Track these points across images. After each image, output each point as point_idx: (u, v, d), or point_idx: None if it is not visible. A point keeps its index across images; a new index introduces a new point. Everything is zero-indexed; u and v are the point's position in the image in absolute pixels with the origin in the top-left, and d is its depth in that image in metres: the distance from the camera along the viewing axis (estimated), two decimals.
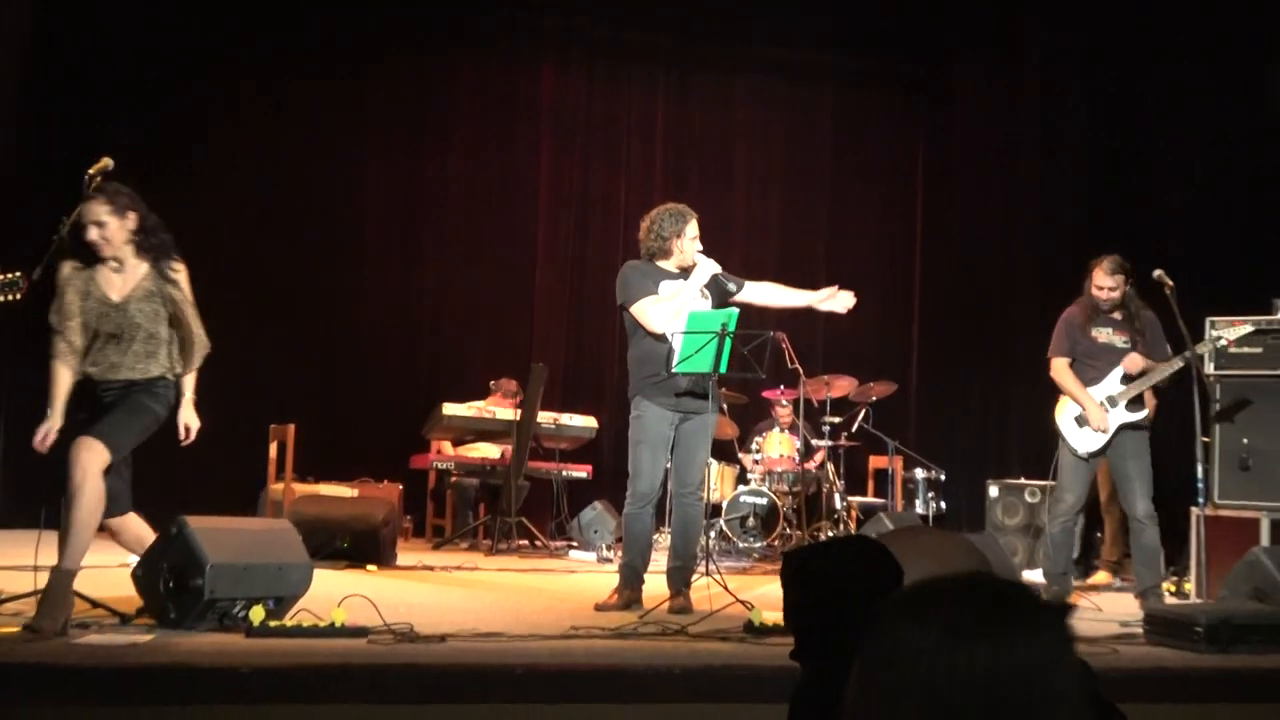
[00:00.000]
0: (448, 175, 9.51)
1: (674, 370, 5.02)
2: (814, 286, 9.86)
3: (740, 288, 5.30)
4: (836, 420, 8.53)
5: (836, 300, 5.28)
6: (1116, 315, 5.73)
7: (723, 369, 5.07)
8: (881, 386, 8.58)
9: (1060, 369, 5.77)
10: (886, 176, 10.39)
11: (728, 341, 5.03)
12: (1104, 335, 5.71)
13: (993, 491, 7.76)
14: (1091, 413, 5.64)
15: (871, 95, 10.38)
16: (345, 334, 9.05)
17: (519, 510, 7.84)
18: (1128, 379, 5.67)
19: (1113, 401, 5.68)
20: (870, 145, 10.40)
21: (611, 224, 9.81)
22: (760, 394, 8.83)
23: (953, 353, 10.00)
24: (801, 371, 8.00)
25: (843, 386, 8.51)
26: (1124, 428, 5.65)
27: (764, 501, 8.19)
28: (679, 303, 5.08)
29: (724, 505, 8.22)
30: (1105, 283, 5.63)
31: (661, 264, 5.23)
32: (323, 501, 6.91)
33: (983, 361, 9.94)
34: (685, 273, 5.21)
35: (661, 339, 5.10)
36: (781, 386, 8.58)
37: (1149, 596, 5.54)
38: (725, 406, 8.51)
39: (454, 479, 8.42)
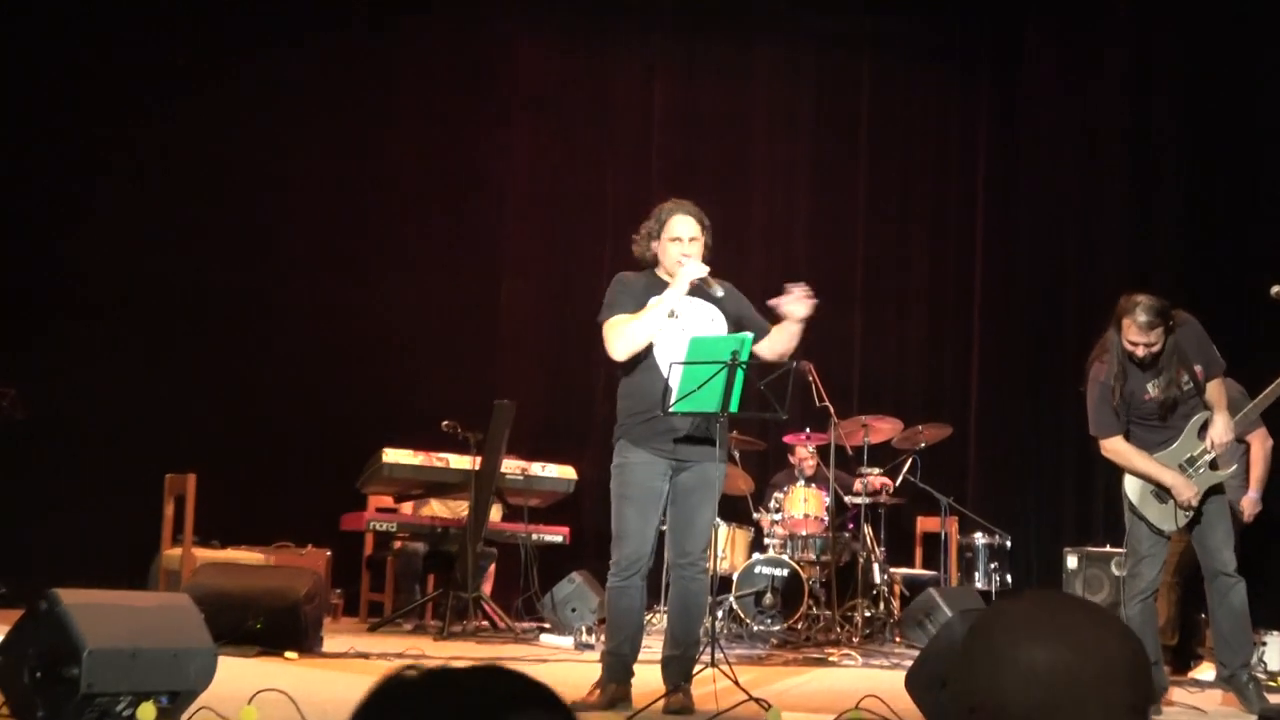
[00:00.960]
0: (394, 167, 9.57)
1: (671, 409, 5.00)
2: (848, 304, 10.18)
3: (755, 327, 5.19)
4: (876, 472, 8.55)
5: (788, 303, 5.19)
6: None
7: (733, 408, 5.03)
8: (932, 430, 8.61)
9: (1115, 449, 5.68)
10: (939, 169, 10.47)
11: (740, 374, 5.01)
12: (1155, 389, 5.61)
13: (1071, 562, 7.79)
14: (1178, 489, 5.59)
15: (920, 67, 10.48)
16: (262, 362, 9.06)
17: (478, 583, 7.80)
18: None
19: (1193, 463, 5.62)
20: (919, 130, 10.48)
21: (598, 227, 9.85)
22: (781, 439, 8.85)
23: (1021, 388, 10.04)
24: (833, 411, 8.04)
25: (884, 430, 8.54)
26: (1211, 490, 5.64)
27: (785, 573, 8.20)
28: (650, 321, 5.04)
29: (735, 578, 8.22)
30: (1140, 339, 5.48)
31: (660, 274, 5.25)
32: (231, 571, 6.88)
33: (1059, 399, 9.96)
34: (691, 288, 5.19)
35: (648, 368, 5.10)
36: (808, 430, 8.60)
37: (1243, 684, 5.52)
38: (737, 454, 8.61)
39: (396, 544, 8.40)
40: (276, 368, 9.11)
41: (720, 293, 5.16)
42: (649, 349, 5.12)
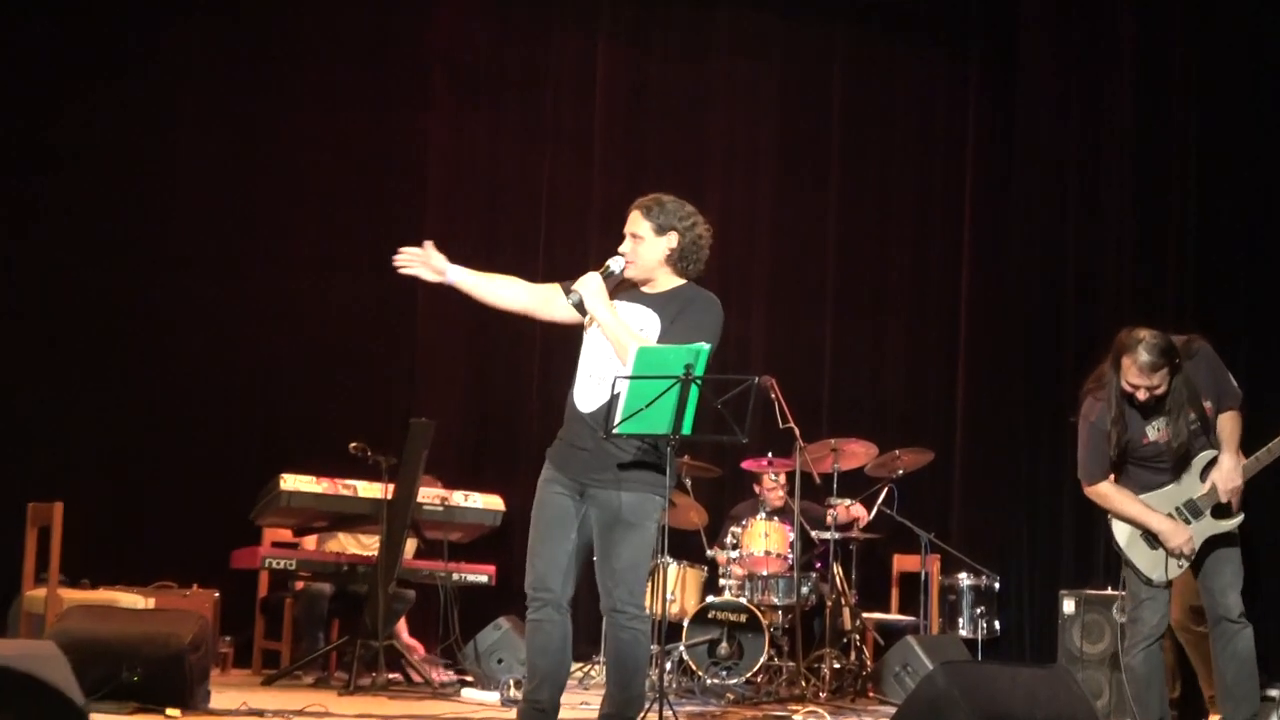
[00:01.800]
0: (294, 149, 9.51)
1: (615, 430, 5.02)
2: (817, 311, 10.20)
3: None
4: (847, 503, 8.57)
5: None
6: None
7: (686, 430, 5.06)
8: (912, 455, 8.65)
9: (1099, 493, 5.75)
10: (922, 157, 10.55)
11: (694, 391, 5.04)
12: (1156, 432, 5.64)
13: (1068, 606, 7.82)
14: (1167, 536, 5.64)
15: (901, 40, 10.56)
16: (139, 374, 9.00)
17: (390, 630, 7.76)
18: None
19: (1194, 510, 5.67)
20: (900, 112, 10.56)
21: (531, 219, 9.85)
22: (739, 464, 8.86)
23: (1013, 408, 10.10)
24: (798, 433, 8.05)
25: (857, 455, 8.57)
26: (1217, 538, 5.68)
27: (743, 618, 8.19)
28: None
29: (686, 624, 8.21)
30: (1141, 381, 5.50)
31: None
32: (104, 615, 6.80)
33: (1056, 422, 10.03)
34: (641, 291, 5.27)
35: (573, 380, 5.20)
36: (770, 454, 8.63)
37: None
38: (689, 483, 8.61)
39: (297, 584, 8.36)
40: (156, 381, 9.03)
41: (615, 268, 5.21)
42: (579, 354, 5.22)
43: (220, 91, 9.40)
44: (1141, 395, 5.55)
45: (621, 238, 5.31)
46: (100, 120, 9.06)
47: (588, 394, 5.16)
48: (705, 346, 5.07)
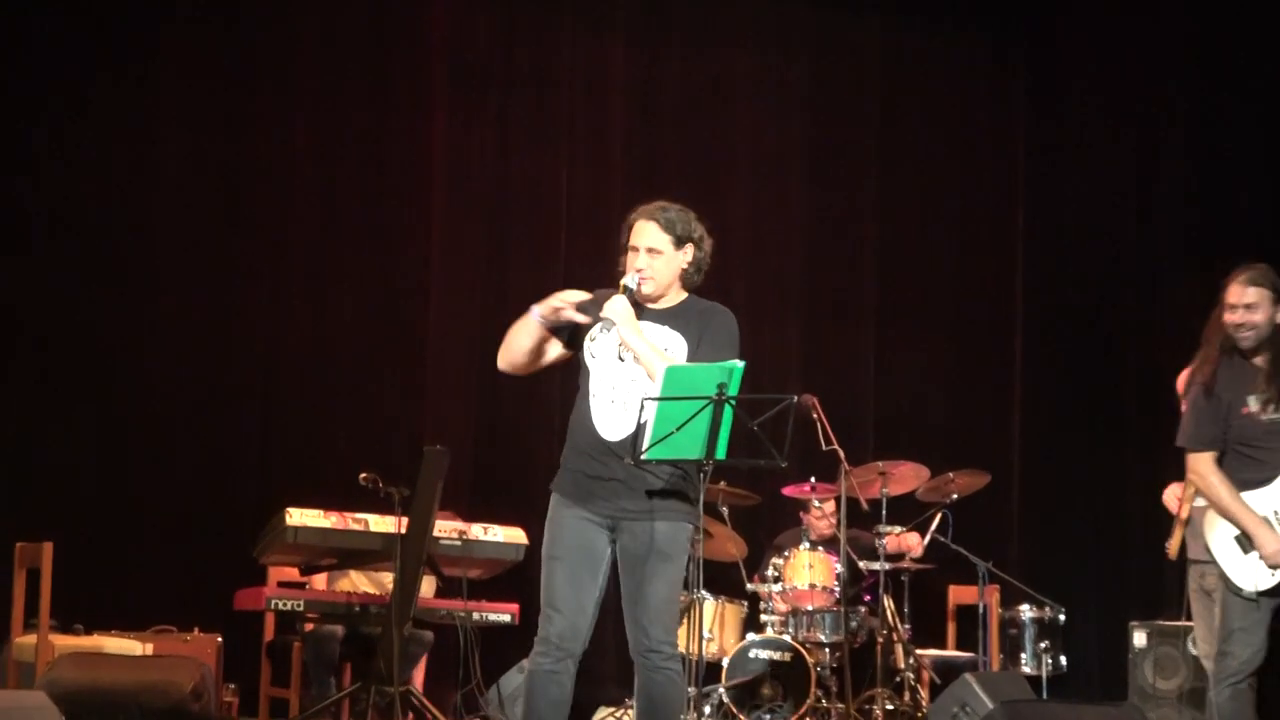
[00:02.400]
0: (287, 155, 9.51)
1: (643, 457, 5.03)
2: (859, 324, 10.16)
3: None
4: (897, 530, 8.55)
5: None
6: (1259, 361, 5.69)
7: (720, 454, 5.08)
8: (967, 478, 8.63)
9: (1201, 470, 5.70)
10: (968, 156, 10.56)
11: (728, 412, 5.05)
12: (1257, 403, 5.63)
13: (1139, 639, 7.82)
14: (1262, 543, 5.59)
15: (943, 30, 10.56)
16: (133, 401, 9.00)
17: (407, 675, 7.74)
18: None
19: None
20: (943, 107, 10.56)
21: (548, 229, 9.85)
22: (780, 491, 8.85)
23: (1076, 424, 10.09)
24: (842, 455, 8.03)
25: (906, 478, 8.56)
26: None
27: (787, 657, 8.19)
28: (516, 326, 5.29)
29: (726, 664, 8.20)
30: (1238, 300, 5.58)
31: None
32: (98, 663, 6.82)
33: (1122, 437, 10.00)
34: (649, 306, 5.32)
35: (581, 401, 5.24)
36: (813, 479, 8.62)
37: None
38: (725, 511, 8.60)
39: (306, 626, 8.34)
40: (148, 410, 9.02)
41: (632, 284, 5.23)
42: (585, 378, 5.27)
43: (205, 92, 9.38)
44: (1237, 317, 5.59)
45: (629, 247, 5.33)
46: (73, 124, 9.07)
47: (612, 420, 5.19)
48: (739, 364, 5.10)
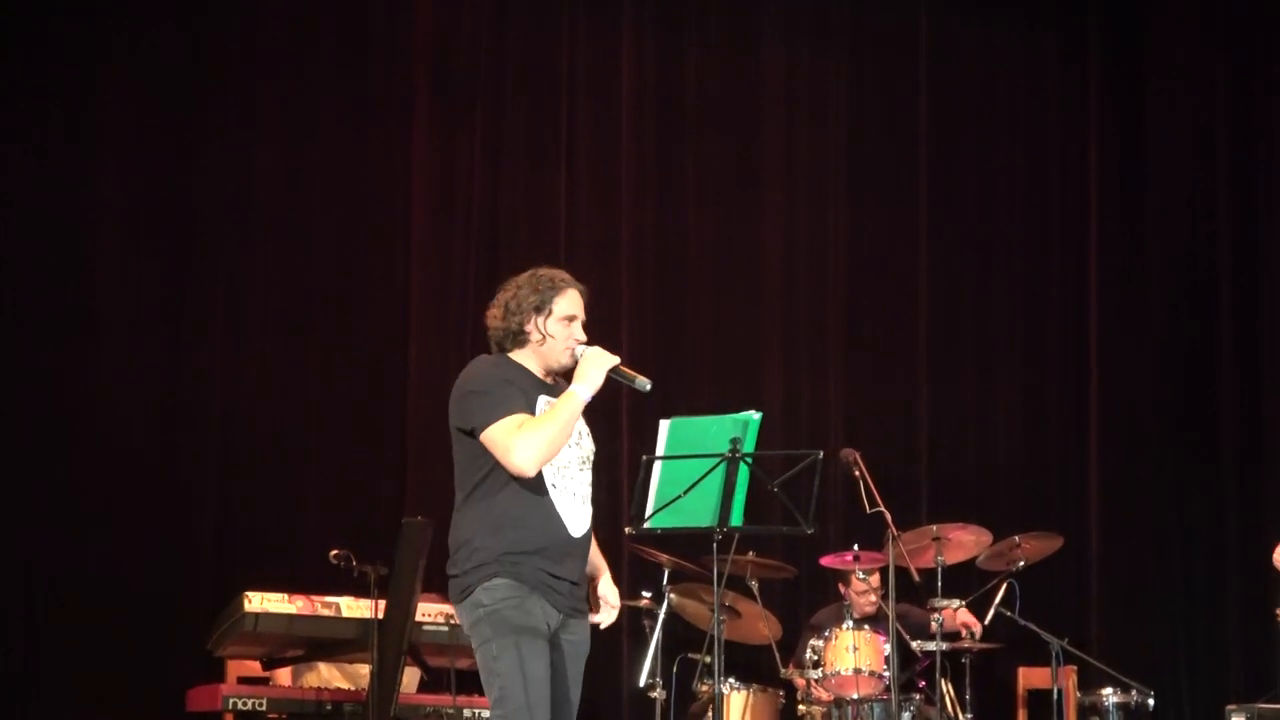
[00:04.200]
0: (245, 180, 9.53)
1: (646, 525, 5.02)
2: (910, 366, 10.11)
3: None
4: (956, 604, 8.44)
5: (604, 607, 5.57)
6: None
7: (735, 520, 5.07)
8: (1035, 543, 8.56)
9: None
10: (1033, 170, 10.51)
11: (744, 471, 5.00)
12: None
13: None
14: None
15: (1002, 27, 10.55)
16: (68, 470, 8.99)
17: None
18: None
19: None
20: (1001, 115, 10.50)
21: (544, 256, 9.71)
22: (819, 561, 8.78)
23: (1160, 482, 10.06)
24: (890, 519, 7.94)
25: (965, 544, 8.47)
26: None
27: None
28: (569, 422, 5.23)
29: None
30: None
31: (524, 362, 5.45)
32: None
33: (1218, 496, 9.93)
34: (558, 380, 5.43)
35: (536, 489, 5.24)
36: (856, 547, 8.54)
37: None
38: (755, 585, 8.50)
39: None
40: (87, 475, 9.00)
41: (649, 386, 5.32)
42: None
43: (149, 111, 9.40)
44: None
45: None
46: (13, 158, 9.10)
47: (577, 516, 5.29)
48: (755, 416, 5.09)
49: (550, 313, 5.38)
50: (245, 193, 9.52)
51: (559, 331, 5.36)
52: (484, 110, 9.92)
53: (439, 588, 8.23)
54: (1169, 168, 10.29)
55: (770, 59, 10.34)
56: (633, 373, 5.30)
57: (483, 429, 5.21)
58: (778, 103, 10.35)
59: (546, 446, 5.16)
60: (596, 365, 5.24)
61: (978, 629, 8.55)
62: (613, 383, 5.30)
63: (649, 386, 5.29)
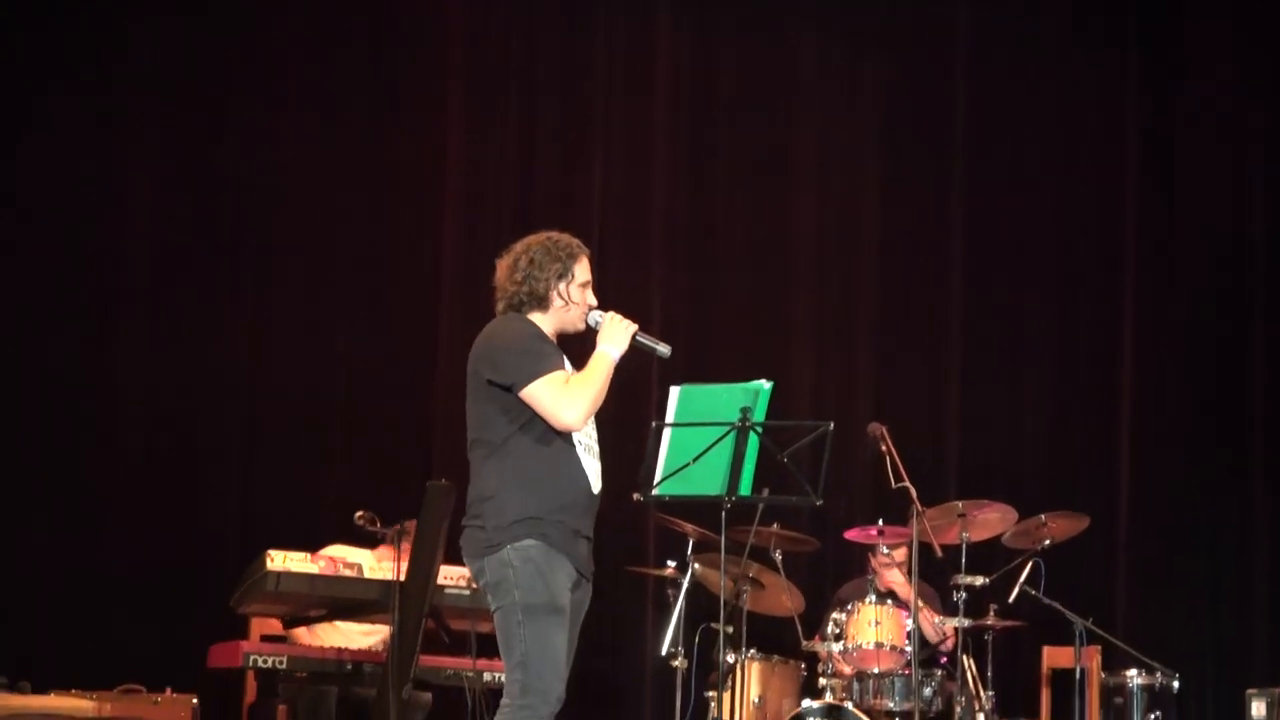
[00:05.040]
0: (275, 165, 9.59)
1: (655, 491, 5.05)
2: (940, 344, 10.09)
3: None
4: (980, 582, 8.43)
5: None
6: None
7: (744, 490, 5.10)
8: (1062, 522, 8.51)
9: None
10: (1069, 161, 10.50)
11: (753, 440, 5.04)
12: None
13: (1257, 709, 7.74)
14: None
15: (1042, 21, 10.50)
16: (93, 434, 9.09)
17: None
18: None
19: None
20: (1039, 99, 10.49)
21: (579, 239, 9.82)
22: (842, 535, 8.79)
23: (1192, 463, 10.03)
24: (914, 494, 7.95)
25: (991, 521, 8.45)
26: None
27: None
28: (606, 380, 5.37)
29: None
30: None
31: (542, 323, 5.58)
32: None
33: (1245, 476, 9.90)
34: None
35: (566, 449, 5.34)
36: (880, 522, 8.53)
37: None
38: (779, 557, 8.52)
39: (292, 683, 8.32)
40: (118, 440, 9.12)
41: (669, 351, 5.51)
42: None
43: (181, 92, 9.46)
44: None
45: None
46: (24, 136, 9.17)
47: (595, 472, 5.43)
48: (766, 385, 5.12)
49: (573, 278, 5.52)
50: (275, 175, 9.60)
51: (578, 297, 5.51)
52: (516, 94, 9.94)
53: (460, 551, 8.35)
54: (1205, 151, 10.24)
55: (804, 45, 10.31)
56: (653, 339, 5.43)
57: (525, 384, 5.32)
58: (811, 89, 10.32)
59: (592, 403, 5.31)
60: (623, 328, 5.40)
61: (949, 643, 8.53)
62: (640, 354, 5.40)
63: (669, 352, 5.41)
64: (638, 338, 5.42)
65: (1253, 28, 10.19)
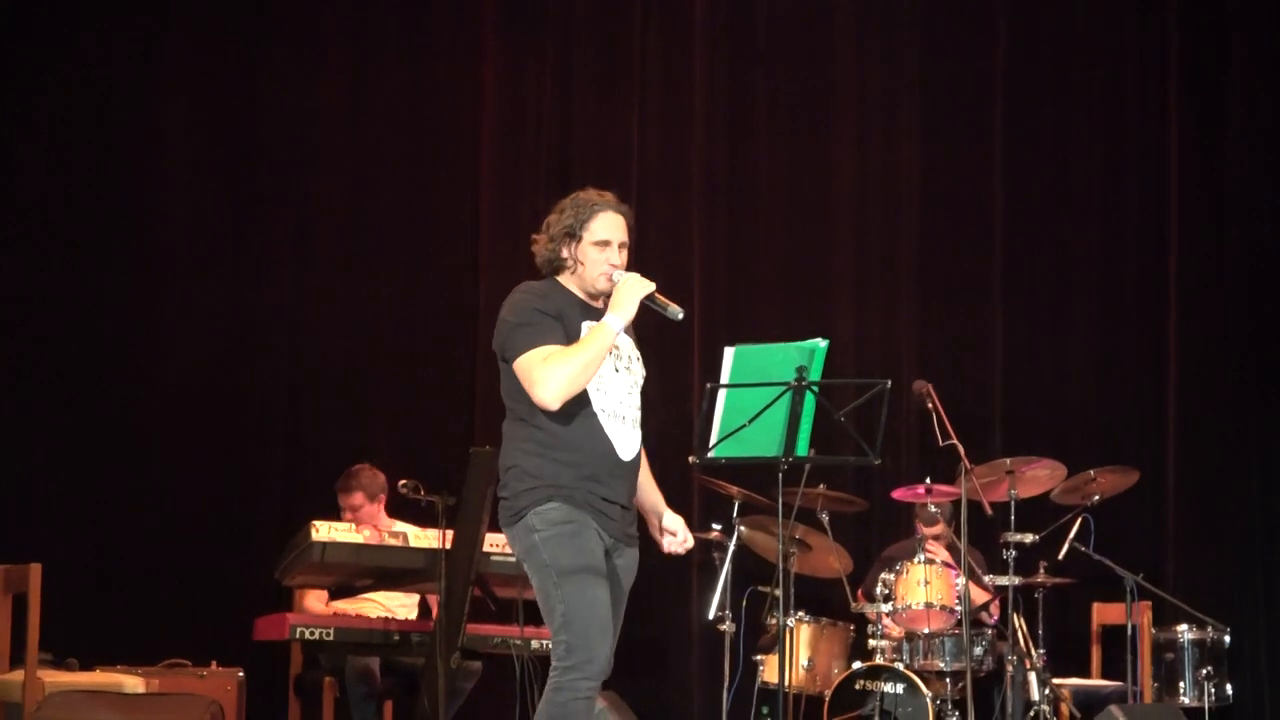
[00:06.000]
0: (310, 111, 9.59)
1: (710, 454, 5.03)
2: (983, 298, 10.05)
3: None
4: (1030, 539, 8.40)
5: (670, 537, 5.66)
6: None
7: (801, 450, 5.09)
8: (1111, 477, 8.50)
9: None
10: (1111, 98, 10.42)
11: (809, 400, 5.02)
12: None
13: None
14: None
15: None
16: (136, 402, 9.10)
17: (458, 711, 7.73)
18: None
19: None
20: (1081, 41, 10.44)
21: (618, 191, 9.67)
22: (889, 495, 8.77)
23: (1241, 412, 9.99)
24: (963, 452, 7.92)
25: (1040, 478, 8.43)
26: None
27: (900, 689, 8.11)
28: (599, 353, 5.27)
29: (827, 699, 8.17)
30: None
31: (569, 286, 5.50)
32: (97, 703, 6.86)
33: None
34: (597, 304, 5.47)
35: (587, 416, 5.30)
36: (928, 479, 8.50)
37: None
38: (825, 517, 8.50)
39: (335, 656, 8.32)
40: (160, 410, 9.13)
41: (681, 314, 5.37)
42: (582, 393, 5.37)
43: (218, 41, 9.48)
44: None
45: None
46: (60, 86, 9.17)
47: (627, 440, 5.38)
48: (821, 343, 5.11)
49: (582, 238, 5.42)
50: (312, 125, 9.61)
51: (594, 256, 5.40)
52: (554, 40, 9.92)
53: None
54: (1249, 100, 10.17)
55: (844, 11, 10.25)
56: (666, 300, 5.32)
57: (512, 359, 5.30)
58: (850, 33, 10.25)
59: (569, 380, 5.21)
60: (631, 293, 5.28)
61: (994, 613, 8.60)
62: (674, 318, 5.32)
63: (681, 314, 5.31)
64: (652, 299, 5.32)
65: None
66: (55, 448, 8.93)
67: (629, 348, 5.44)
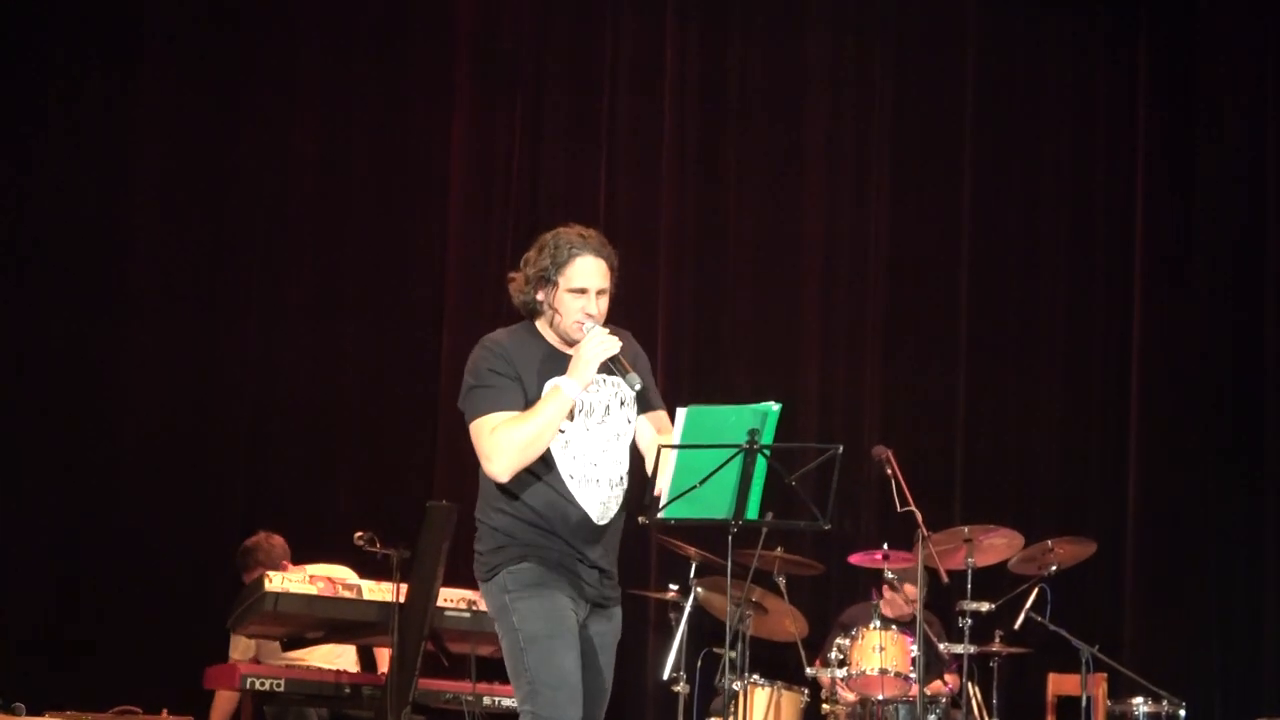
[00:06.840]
0: (281, 160, 9.58)
1: (660, 515, 5.02)
2: (946, 359, 10.07)
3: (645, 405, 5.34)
4: (985, 608, 8.42)
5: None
6: None
7: (751, 513, 5.07)
8: (1069, 547, 8.53)
9: None
10: (1078, 153, 10.49)
11: (761, 463, 5.03)
12: None
13: None
14: None
15: (1051, 18, 10.52)
16: (90, 445, 9.06)
17: None
18: None
19: None
20: (1048, 102, 10.50)
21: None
22: (846, 560, 8.76)
23: (1200, 487, 10.03)
24: (920, 519, 7.94)
25: (997, 547, 8.45)
26: None
27: None
28: (550, 421, 5.07)
29: None
30: None
31: (544, 332, 5.33)
32: None
33: (1258, 499, 9.88)
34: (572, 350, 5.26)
35: (551, 476, 5.16)
36: (885, 546, 8.51)
37: None
38: (782, 581, 8.50)
39: (280, 704, 8.29)
40: (117, 455, 9.10)
41: (639, 385, 5.19)
42: (547, 455, 5.20)
43: (190, 86, 9.45)
44: None
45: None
46: (34, 131, 9.13)
47: (599, 501, 5.21)
48: (774, 407, 5.07)
49: (558, 284, 5.20)
50: (283, 172, 9.59)
51: (569, 304, 5.18)
52: (525, 92, 9.93)
53: (464, 574, 8.32)
54: (1218, 161, 10.22)
55: (814, 45, 10.30)
56: (628, 365, 5.13)
57: (469, 423, 5.17)
58: (821, 90, 10.31)
59: (517, 453, 5.06)
60: (591, 355, 5.06)
61: (953, 687, 8.56)
62: (631, 386, 5.18)
63: (638, 386, 5.14)
64: (615, 362, 5.10)
65: (1265, 9, 10.18)
66: (10, 491, 8.86)
67: (608, 394, 5.24)
